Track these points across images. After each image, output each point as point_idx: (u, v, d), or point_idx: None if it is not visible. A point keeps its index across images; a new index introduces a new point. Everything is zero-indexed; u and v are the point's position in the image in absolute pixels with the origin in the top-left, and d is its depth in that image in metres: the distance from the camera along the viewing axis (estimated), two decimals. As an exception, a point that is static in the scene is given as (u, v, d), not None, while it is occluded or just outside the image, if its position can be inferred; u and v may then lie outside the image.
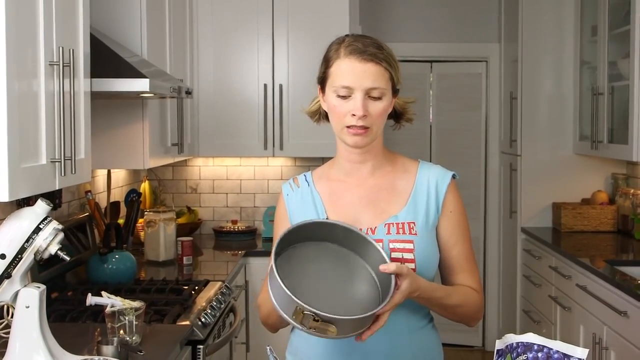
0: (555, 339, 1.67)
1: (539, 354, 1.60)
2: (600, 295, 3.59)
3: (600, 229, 4.83)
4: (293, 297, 1.67)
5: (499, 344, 1.70)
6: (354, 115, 1.87)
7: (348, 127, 1.89)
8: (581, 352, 1.57)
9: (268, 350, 1.76)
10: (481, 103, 5.82)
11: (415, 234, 1.93)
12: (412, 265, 1.90)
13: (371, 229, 1.94)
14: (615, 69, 4.37)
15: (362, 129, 1.88)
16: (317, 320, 1.67)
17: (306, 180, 2.08)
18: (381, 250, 1.85)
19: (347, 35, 1.95)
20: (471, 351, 5.71)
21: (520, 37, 5.10)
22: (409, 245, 1.91)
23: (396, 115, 2.03)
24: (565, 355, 1.58)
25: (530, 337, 1.65)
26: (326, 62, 1.94)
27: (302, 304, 1.67)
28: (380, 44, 1.91)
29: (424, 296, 1.85)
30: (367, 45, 1.88)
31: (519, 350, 1.64)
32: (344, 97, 1.88)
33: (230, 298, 3.36)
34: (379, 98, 1.88)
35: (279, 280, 1.69)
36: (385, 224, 1.95)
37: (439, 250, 1.99)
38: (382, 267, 1.79)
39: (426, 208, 1.97)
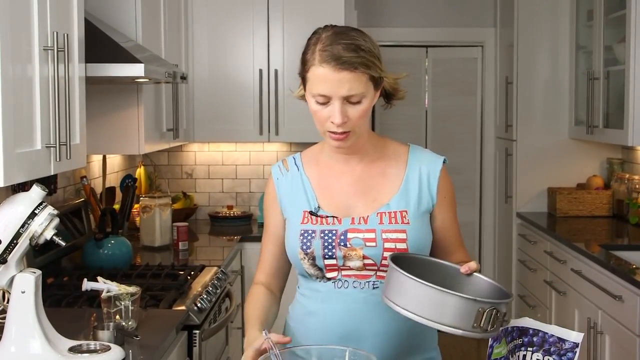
0: (551, 324, 1.67)
1: (534, 338, 1.60)
2: (595, 280, 3.60)
3: (596, 214, 4.84)
4: (477, 299, 1.59)
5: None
6: (333, 122, 1.84)
7: (330, 131, 1.87)
8: (576, 336, 1.58)
9: (264, 333, 1.75)
10: (477, 88, 5.82)
11: (408, 222, 1.92)
12: None
13: (363, 218, 1.93)
14: (611, 54, 4.36)
15: (343, 134, 1.86)
16: (498, 315, 1.60)
17: (295, 163, 2.05)
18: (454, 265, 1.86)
19: (324, 30, 1.88)
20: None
21: (516, 21, 5.09)
22: (402, 235, 1.91)
23: (387, 95, 1.99)
24: (560, 339, 1.59)
25: (526, 322, 1.66)
26: (303, 63, 1.89)
27: (487, 301, 1.59)
28: (357, 45, 1.82)
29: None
30: (342, 50, 1.80)
31: (514, 334, 1.65)
32: (322, 104, 1.85)
33: (226, 283, 3.37)
34: (359, 102, 1.84)
35: (452, 293, 1.59)
36: (377, 213, 1.93)
37: (434, 233, 1.99)
38: (463, 270, 1.82)
39: (418, 195, 1.96)
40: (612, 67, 4.34)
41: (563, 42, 5.06)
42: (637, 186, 4.53)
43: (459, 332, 1.60)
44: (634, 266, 3.40)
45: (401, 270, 1.65)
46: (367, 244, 1.90)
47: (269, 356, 1.68)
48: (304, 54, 1.89)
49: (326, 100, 1.84)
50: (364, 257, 1.91)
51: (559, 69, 5.10)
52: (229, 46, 4.58)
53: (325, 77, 1.81)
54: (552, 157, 5.11)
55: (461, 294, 1.61)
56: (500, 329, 1.64)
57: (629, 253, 3.72)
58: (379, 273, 1.91)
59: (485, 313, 1.57)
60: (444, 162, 2.02)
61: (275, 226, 2.05)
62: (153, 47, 3.56)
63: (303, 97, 1.97)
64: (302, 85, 1.95)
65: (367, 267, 1.92)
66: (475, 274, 1.83)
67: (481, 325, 1.57)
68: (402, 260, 1.80)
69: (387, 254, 1.89)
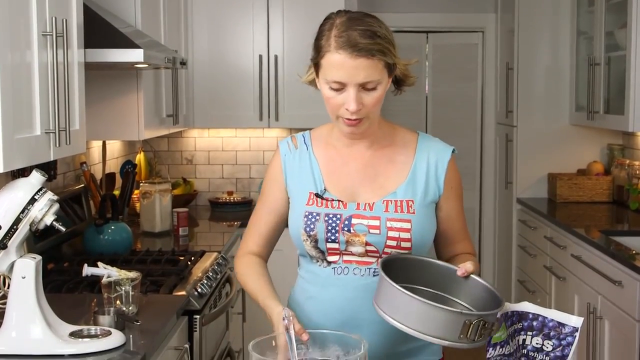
0: (550, 309, 1.67)
1: (534, 323, 1.61)
2: (595, 265, 3.61)
3: (596, 200, 4.84)
4: (463, 312, 1.60)
5: (494, 313, 1.71)
6: (347, 109, 1.83)
7: (343, 117, 1.86)
8: (576, 320, 1.58)
9: (284, 313, 1.74)
10: (477, 74, 5.81)
11: (414, 212, 1.91)
12: (408, 245, 1.89)
13: (369, 204, 1.93)
14: (612, 39, 4.35)
15: (356, 120, 1.85)
16: (486, 326, 1.60)
17: (305, 142, 2.04)
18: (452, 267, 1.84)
19: (338, 15, 1.86)
20: (466, 321, 5.74)
21: (516, 7, 5.07)
22: (407, 225, 1.90)
23: (397, 81, 1.98)
24: (560, 323, 1.59)
25: (526, 306, 1.66)
26: (317, 49, 1.86)
27: (474, 313, 1.60)
28: (374, 31, 1.80)
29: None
30: (358, 37, 1.78)
31: (514, 318, 1.65)
32: (337, 90, 1.83)
33: (226, 269, 3.37)
34: (374, 88, 1.83)
35: (438, 306, 1.60)
36: (384, 201, 1.93)
37: (439, 223, 1.99)
38: (460, 272, 1.80)
39: (425, 185, 1.95)
40: (613, 52, 4.33)
41: (564, 27, 5.04)
42: (637, 172, 4.53)
43: (446, 343, 1.60)
44: (634, 252, 3.40)
45: (389, 280, 1.65)
46: (371, 231, 1.90)
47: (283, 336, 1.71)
48: (317, 40, 1.86)
49: (341, 87, 1.82)
50: (367, 244, 1.90)
51: (559, 55, 5.08)
52: (229, 32, 4.56)
53: (341, 64, 1.79)
54: (552, 143, 5.10)
55: (448, 308, 1.61)
56: (488, 338, 1.65)
57: (629, 239, 3.72)
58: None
59: (472, 325, 1.57)
60: (453, 152, 2.00)
61: (275, 202, 2.04)
62: (152, 33, 3.55)
63: (311, 83, 1.95)
64: (312, 71, 1.93)
65: (369, 254, 1.91)
66: (472, 275, 1.82)
67: (468, 336, 1.58)
68: (395, 262, 1.79)
69: (390, 242, 1.89)
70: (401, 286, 1.64)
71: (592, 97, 4.52)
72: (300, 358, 1.67)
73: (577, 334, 1.57)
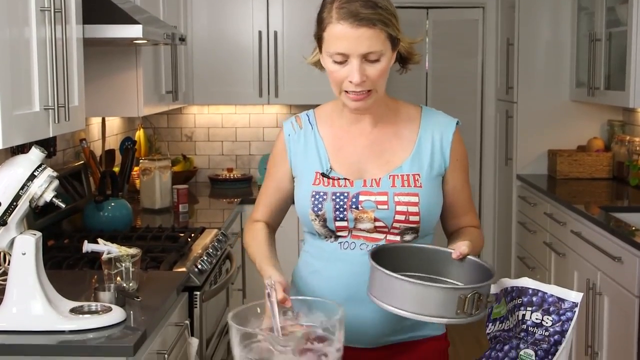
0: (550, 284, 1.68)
1: (534, 298, 1.61)
2: (594, 242, 3.61)
3: (596, 176, 4.84)
4: (457, 287, 1.60)
5: (494, 288, 1.71)
6: (351, 81, 1.82)
7: (347, 92, 1.85)
8: (575, 295, 1.58)
9: (268, 282, 1.74)
10: (478, 50, 5.78)
11: (420, 186, 1.91)
12: (416, 218, 1.89)
13: (375, 180, 1.92)
14: (613, 15, 4.32)
15: (362, 93, 1.84)
16: (481, 298, 1.61)
17: (309, 121, 2.03)
18: (443, 249, 1.84)
19: None
20: (466, 297, 5.76)
21: (517, -18, 5.05)
22: (414, 199, 1.89)
23: (402, 59, 1.97)
24: (559, 299, 1.59)
25: (525, 282, 1.66)
26: (320, 23, 1.85)
27: (467, 287, 1.60)
28: (375, 2, 1.80)
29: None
30: (360, 7, 1.78)
31: (513, 294, 1.65)
32: (340, 63, 1.82)
33: (226, 245, 3.38)
34: (377, 60, 1.82)
35: (431, 285, 1.61)
36: (390, 176, 1.92)
37: (445, 196, 1.99)
38: (454, 255, 1.79)
39: (431, 158, 1.95)
40: (614, 28, 4.31)
41: (565, 3, 5.01)
42: (637, 148, 4.52)
43: (444, 320, 1.61)
44: (634, 228, 3.41)
45: (380, 268, 1.65)
46: (379, 206, 1.90)
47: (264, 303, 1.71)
48: (320, 13, 1.86)
49: (344, 59, 1.81)
50: (375, 220, 1.90)
51: (560, 31, 5.06)
52: (228, 8, 4.54)
53: (343, 35, 1.79)
54: (552, 119, 5.09)
55: (440, 285, 1.61)
56: (487, 309, 1.66)
57: (628, 215, 3.72)
58: (389, 237, 1.91)
59: (467, 299, 1.58)
60: (457, 124, 2.01)
61: (282, 180, 2.05)
62: (151, 9, 3.53)
63: (317, 64, 1.94)
64: (316, 52, 1.92)
65: (378, 230, 1.91)
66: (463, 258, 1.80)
67: (465, 310, 1.58)
68: (383, 252, 1.79)
69: (398, 217, 1.89)
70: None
71: (593, 73, 4.51)
72: (282, 325, 1.66)
73: (577, 309, 1.57)
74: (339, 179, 1.94)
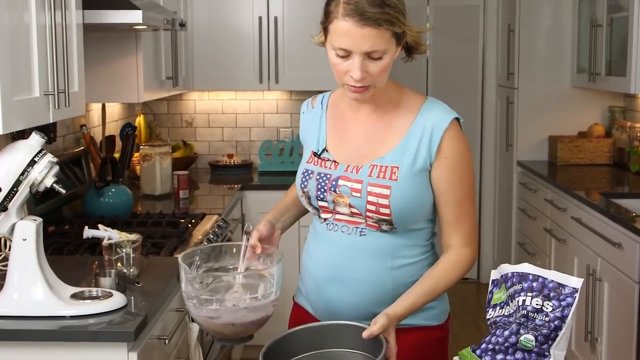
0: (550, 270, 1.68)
1: (534, 284, 1.61)
2: (595, 228, 3.61)
3: (596, 162, 4.83)
4: None
5: (494, 274, 1.71)
6: (352, 77, 1.82)
7: (348, 84, 1.86)
8: (576, 281, 1.58)
9: (246, 227, 1.92)
10: (478, 36, 5.77)
11: (396, 179, 1.89)
12: (387, 211, 1.88)
13: (357, 167, 1.94)
14: (615, 0, 4.31)
15: (361, 87, 1.85)
16: None
17: (321, 102, 2.09)
18: (350, 322, 1.82)
19: None
20: (466, 283, 5.77)
21: (518, -33, 5.03)
22: (385, 191, 1.88)
23: (408, 49, 1.95)
24: (560, 284, 1.59)
25: (526, 267, 1.66)
26: (326, 14, 1.84)
27: None
28: (383, 0, 1.77)
29: (409, 314, 1.87)
30: (367, 5, 1.76)
31: (514, 280, 1.65)
32: (342, 57, 1.82)
33: (226, 231, 3.38)
34: (380, 58, 1.81)
35: None
36: (370, 165, 1.93)
37: (435, 197, 1.94)
38: (365, 334, 1.75)
39: (415, 152, 1.90)
40: (616, 14, 4.29)
41: (566, -12, 5.00)
42: (638, 134, 4.52)
43: None
44: (634, 214, 3.41)
45: None
46: (353, 193, 1.92)
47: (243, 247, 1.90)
48: (327, 4, 1.85)
49: (347, 54, 1.81)
50: (350, 206, 1.93)
51: (561, 16, 5.04)
52: (228, -7, 4.53)
53: (347, 32, 1.78)
54: (553, 105, 5.08)
55: None
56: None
57: (629, 201, 3.72)
58: (368, 222, 1.93)
59: None
60: (456, 119, 1.95)
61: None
62: (151, -6, 3.52)
63: (323, 44, 1.94)
64: (322, 33, 1.91)
65: (354, 215, 1.94)
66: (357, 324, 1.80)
67: None
68: (274, 349, 1.76)
69: (369, 207, 1.89)
70: None
71: (594, 59, 4.50)
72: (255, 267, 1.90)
73: (577, 295, 1.57)
74: (328, 160, 1.99)
